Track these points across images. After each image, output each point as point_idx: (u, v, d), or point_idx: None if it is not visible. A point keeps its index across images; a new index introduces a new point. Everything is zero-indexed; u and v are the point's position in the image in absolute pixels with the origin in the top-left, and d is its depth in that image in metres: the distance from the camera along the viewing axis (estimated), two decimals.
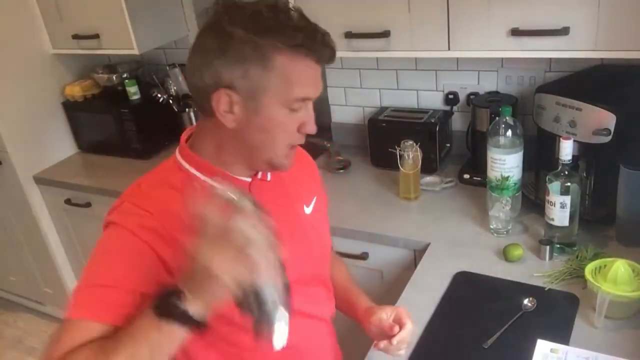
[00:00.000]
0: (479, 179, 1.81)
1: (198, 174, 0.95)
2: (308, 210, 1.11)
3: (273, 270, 0.72)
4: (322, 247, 1.16)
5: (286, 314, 0.75)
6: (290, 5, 0.87)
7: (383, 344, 1.04)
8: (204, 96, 0.87)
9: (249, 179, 0.99)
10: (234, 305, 0.74)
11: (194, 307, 0.72)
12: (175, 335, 0.73)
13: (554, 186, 1.39)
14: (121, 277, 0.84)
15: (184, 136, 1.00)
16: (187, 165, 0.96)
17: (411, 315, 1.10)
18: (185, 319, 0.72)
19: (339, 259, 1.36)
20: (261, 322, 0.74)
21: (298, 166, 1.12)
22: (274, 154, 0.92)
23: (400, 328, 1.05)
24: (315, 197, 1.14)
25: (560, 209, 1.39)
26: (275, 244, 0.72)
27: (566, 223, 1.41)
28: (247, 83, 0.85)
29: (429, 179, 1.89)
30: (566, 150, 1.35)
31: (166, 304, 0.72)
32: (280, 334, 0.75)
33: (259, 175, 1.00)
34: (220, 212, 0.70)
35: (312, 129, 0.92)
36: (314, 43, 0.85)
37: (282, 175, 1.04)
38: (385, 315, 1.09)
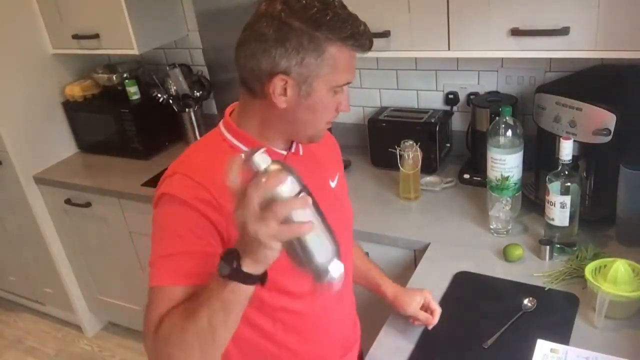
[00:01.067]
0: (479, 179, 1.81)
1: (239, 143, 1.02)
2: (333, 184, 1.20)
3: (316, 224, 0.75)
4: (347, 219, 1.25)
5: (340, 264, 0.78)
6: None
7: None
8: (259, 80, 0.95)
9: (285, 152, 1.07)
10: (288, 268, 0.78)
11: (248, 265, 0.78)
12: (241, 291, 0.80)
13: (554, 186, 1.39)
14: (188, 243, 0.93)
15: (228, 110, 1.07)
16: (231, 138, 1.02)
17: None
18: (244, 276, 0.78)
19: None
20: (318, 274, 0.77)
21: (324, 145, 1.21)
22: (316, 130, 1.03)
23: (432, 313, 1.26)
24: (338, 174, 1.24)
25: (560, 209, 1.39)
26: (306, 198, 0.74)
27: (566, 223, 1.41)
28: (302, 70, 0.93)
29: (429, 179, 1.90)
30: (566, 150, 1.35)
31: (227, 266, 0.78)
32: (336, 279, 0.78)
33: (293, 149, 1.08)
34: (245, 179, 0.74)
35: (347, 107, 1.03)
36: (358, 34, 0.94)
37: (312, 150, 1.13)
38: (417, 304, 1.27)
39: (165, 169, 1.03)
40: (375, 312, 1.32)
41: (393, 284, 1.33)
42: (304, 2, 0.92)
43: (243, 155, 0.74)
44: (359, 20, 0.97)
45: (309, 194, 0.75)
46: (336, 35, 0.92)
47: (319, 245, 0.76)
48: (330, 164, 1.23)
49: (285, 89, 0.95)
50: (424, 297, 1.28)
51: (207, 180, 0.95)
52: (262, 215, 0.72)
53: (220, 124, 1.06)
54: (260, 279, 0.81)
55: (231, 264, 0.78)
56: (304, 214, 0.74)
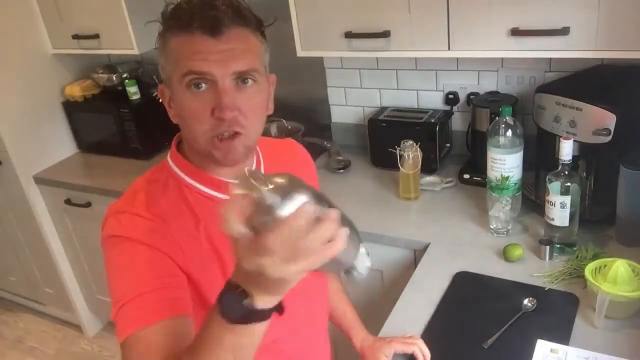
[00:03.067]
0: (479, 179, 1.81)
1: (187, 178, 0.95)
2: None
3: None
4: None
5: (365, 257, 0.75)
6: None
7: None
8: None
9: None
10: None
11: (264, 300, 0.63)
12: (257, 330, 0.67)
13: (554, 186, 1.39)
14: (149, 281, 0.84)
15: (176, 139, 1.01)
16: (177, 170, 0.96)
17: (410, 338, 1.21)
18: (261, 315, 0.65)
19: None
20: (345, 271, 0.73)
21: (296, 163, 1.14)
22: (199, 144, 0.88)
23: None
24: None
25: (560, 209, 1.39)
26: (334, 213, 0.61)
27: (566, 223, 1.41)
28: (164, 74, 0.89)
29: (429, 179, 1.89)
30: (566, 150, 1.35)
31: (236, 309, 0.64)
32: (364, 273, 0.75)
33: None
34: (241, 215, 0.60)
35: (221, 112, 0.84)
36: (195, 15, 0.83)
37: (278, 172, 1.03)
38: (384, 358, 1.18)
39: None
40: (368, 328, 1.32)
41: (363, 337, 1.26)
42: (174, 6, 0.87)
43: (239, 188, 0.59)
44: (210, 3, 0.84)
45: (325, 199, 0.63)
46: (173, 24, 0.85)
47: (347, 250, 0.65)
48: None
49: (169, 100, 0.90)
50: (394, 349, 1.18)
51: (156, 215, 0.88)
52: (289, 256, 0.58)
53: (167, 155, 0.99)
54: (277, 309, 0.66)
55: (240, 305, 0.63)
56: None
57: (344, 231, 0.61)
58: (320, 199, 0.62)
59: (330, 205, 0.64)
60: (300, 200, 0.59)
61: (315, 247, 0.59)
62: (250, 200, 0.58)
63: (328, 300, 1.23)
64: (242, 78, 0.86)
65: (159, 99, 0.97)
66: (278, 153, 1.10)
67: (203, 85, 0.84)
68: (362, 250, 0.75)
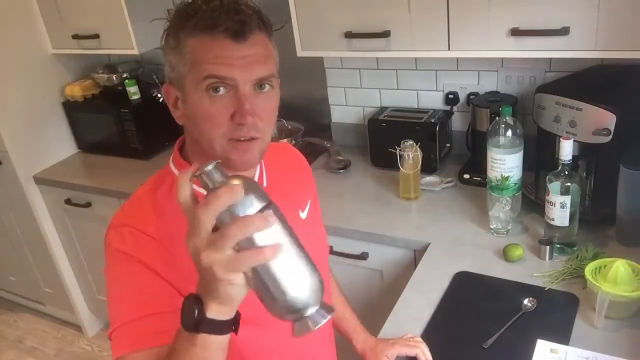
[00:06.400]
0: (479, 179, 1.81)
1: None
2: (303, 215, 1.09)
3: (286, 248, 0.61)
4: (322, 252, 1.17)
5: (323, 306, 0.64)
6: None
7: None
8: None
9: None
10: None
11: (213, 310, 0.64)
12: (212, 344, 0.67)
13: (554, 186, 1.39)
14: (146, 306, 0.84)
15: (179, 143, 0.99)
16: (178, 173, 0.94)
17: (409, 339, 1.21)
18: (210, 325, 0.65)
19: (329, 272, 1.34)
20: (294, 313, 0.63)
21: (293, 169, 1.12)
22: (212, 148, 0.87)
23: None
24: (309, 201, 1.12)
25: (560, 209, 1.39)
26: (268, 215, 0.60)
27: (566, 223, 1.41)
28: (174, 74, 0.86)
29: (429, 179, 1.89)
30: (566, 150, 1.35)
31: (189, 316, 0.66)
32: (321, 321, 0.64)
33: (255, 179, 0.98)
34: (192, 200, 0.62)
35: (242, 117, 0.83)
36: (220, 18, 0.81)
37: (280, 178, 1.03)
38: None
39: None
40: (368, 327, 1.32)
41: (364, 339, 1.25)
42: (186, 4, 0.85)
43: (196, 170, 0.62)
44: (231, 5, 0.83)
45: (277, 212, 0.62)
46: (195, 25, 0.82)
47: (292, 274, 0.61)
48: (300, 192, 1.11)
49: (176, 101, 0.88)
50: (397, 351, 1.18)
51: (160, 232, 0.87)
52: (215, 240, 0.59)
53: (170, 159, 0.97)
54: (231, 325, 0.67)
55: (192, 312, 0.64)
56: (267, 236, 0.60)
57: (288, 243, 0.61)
58: (273, 208, 0.62)
59: (285, 224, 0.63)
60: (256, 206, 0.60)
61: (242, 236, 0.58)
62: (201, 182, 0.61)
63: (331, 300, 1.23)
64: (260, 83, 0.86)
65: (159, 99, 0.96)
66: (277, 158, 1.08)
67: (222, 89, 0.83)
68: (319, 300, 0.64)
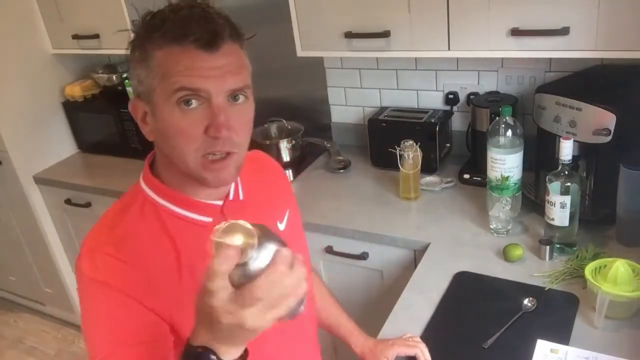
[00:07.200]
0: (479, 179, 1.81)
1: (164, 202, 0.90)
2: (282, 226, 1.07)
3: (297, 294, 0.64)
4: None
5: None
6: (199, 1, 0.82)
7: None
8: None
9: (221, 202, 0.92)
10: None
11: (229, 352, 0.65)
12: None
13: (554, 186, 1.39)
14: (125, 337, 0.81)
15: (148, 159, 0.94)
16: (149, 191, 0.91)
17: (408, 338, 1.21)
18: None
19: (316, 276, 1.34)
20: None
21: (269, 179, 1.10)
22: (185, 164, 0.83)
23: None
24: (287, 211, 1.10)
25: (560, 209, 1.39)
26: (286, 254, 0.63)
27: (566, 223, 1.41)
28: (142, 88, 0.82)
29: (429, 179, 1.89)
30: (566, 150, 1.35)
31: None
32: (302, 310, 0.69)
33: (231, 195, 0.94)
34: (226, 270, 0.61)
35: (217, 130, 0.80)
36: (190, 27, 0.78)
37: (257, 190, 1.01)
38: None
39: None
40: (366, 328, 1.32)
41: (362, 341, 1.25)
42: (152, 14, 0.81)
43: (219, 237, 0.61)
44: (202, 15, 0.79)
45: (282, 241, 0.65)
46: (163, 36, 0.79)
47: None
48: (277, 202, 1.08)
49: (144, 116, 0.85)
50: (396, 352, 1.18)
51: (134, 256, 0.83)
52: (271, 305, 0.60)
53: (140, 176, 0.93)
54: (242, 357, 0.67)
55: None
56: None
57: (304, 270, 0.64)
58: (284, 244, 0.65)
59: (284, 246, 0.65)
60: (273, 249, 0.63)
61: (290, 290, 0.62)
62: (232, 253, 0.60)
63: (315, 304, 1.22)
64: (234, 95, 0.82)
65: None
66: (252, 168, 1.01)
67: (194, 102, 0.79)
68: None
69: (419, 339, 1.21)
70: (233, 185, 0.95)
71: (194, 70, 0.78)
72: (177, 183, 0.89)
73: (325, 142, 2.20)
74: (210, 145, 0.81)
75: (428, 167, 1.90)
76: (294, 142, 2.13)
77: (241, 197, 0.97)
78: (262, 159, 1.16)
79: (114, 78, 2.49)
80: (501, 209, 1.53)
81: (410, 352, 1.18)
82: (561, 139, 1.36)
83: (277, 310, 0.61)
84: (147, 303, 0.82)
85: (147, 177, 0.92)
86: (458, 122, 2.04)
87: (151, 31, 0.80)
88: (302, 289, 0.63)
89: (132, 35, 0.83)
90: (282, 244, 0.64)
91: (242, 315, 0.60)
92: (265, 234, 0.63)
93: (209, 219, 0.91)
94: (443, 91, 2.03)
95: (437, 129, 1.90)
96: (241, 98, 0.84)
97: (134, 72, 0.84)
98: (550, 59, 1.78)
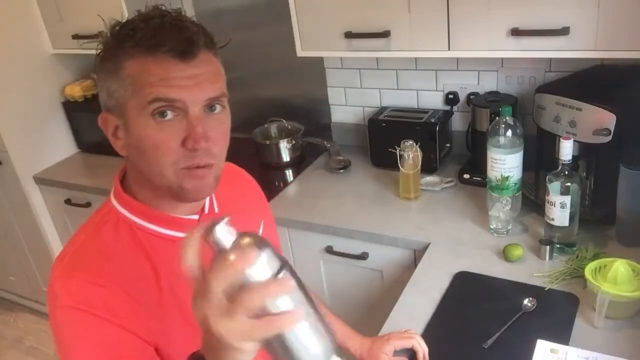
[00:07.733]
0: (479, 179, 1.81)
1: (138, 220, 0.86)
2: None
3: (302, 314, 0.56)
4: None
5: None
6: (170, 10, 0.80)
7: None
8: None
9: (197, 217, 0.90)
10: None
11: None
12: None
13: (554, 186, 1.39)
14: None
15: (119, 174, 0.91)
16: (124, 212, 0.87)
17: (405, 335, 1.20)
18: None
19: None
20: None
21: (242, 190, 1.08)
22: (162, 179, 0.80)
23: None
24: (262, 222, 1.08)
25: (560, 209, 1.39)
26: (286, 281, 0.56)
27: (566, 223, 1.41)
28: (113, 102, 0.79)
29: (429, 179, 1.90)
30: (566, 150, 1.35)
31: None
32: None
33: (207, 209, 0.91)
34: (207, 260, 0.57)
35: (195, 142, 0.77)
36: (163, 37, 0.75)
37: (232, 202, 0.98)
38: (385, 357, 1.17)
39: None
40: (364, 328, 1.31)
41: (359, 343, 1.23)
42: (121, 25, 0.79)
43: (201, 229, 0.57)
44: (175, 23, 0.77)
45: (292, 272, 0.58)
46: (130, 45, 0.76)
47: (307, 341, 0.57)
48: (253, 214, 1.06)
49: (116, 130, 0.81)
50: (393, 346, 1.18)
51: (113, 278, 0.79)
52: (228, 308, 0.53)
53: (111, 193, 0.90)
54: None
55: None
56: (285, 301, 0.55)
57: (302, 311, 0.55)
58: (288, 268, 0.57)
59: (299, 283, 0.58)
60: (249, 243, 0.55)
61: (260, 304, 0.53)
62: (209, 242, 0.55)
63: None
64: (210, 104, 0.80)
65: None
66: (225, 180, 0.93)
67: (169, 113, 0.76)
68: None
69: (413, 331, 1.21)
70: (208, 198, 0.92)
71: (169, 80, 0.75)
72: (151, 199, 0.86)
73: (325, 142, 2.20)
74: (189, 159, 0.78)
75: (428, 167, 1.90)
76: (294, 142, 2.13)
77: (216, 210, 0.94)
78: (236, 172, 1.13)
79: None
80: (501, 209, 1.53)
81: (407, 344, 1.18)
82: (561, 139, 1.36)
83: (258, 333, 0.54)
84: (130, 327, 0.79)
85: (119, 194, 0.88)
86: (458, 122, 2.04)
87: (122, 41, 0.77)
88: (277, 319, 0.54)
89: (100, 46, 0.81)
90: (284, 265, 0.58)
91: (224, 327, 0.54)
92: (264, 249, 0.58)
93: None
94: (443, 91, 2.02)
95: (437, 129, 1.90)
96: (218, 107, 0.81)
97: (103, 85, 0.80)
98: (550, 59, 1.78)
